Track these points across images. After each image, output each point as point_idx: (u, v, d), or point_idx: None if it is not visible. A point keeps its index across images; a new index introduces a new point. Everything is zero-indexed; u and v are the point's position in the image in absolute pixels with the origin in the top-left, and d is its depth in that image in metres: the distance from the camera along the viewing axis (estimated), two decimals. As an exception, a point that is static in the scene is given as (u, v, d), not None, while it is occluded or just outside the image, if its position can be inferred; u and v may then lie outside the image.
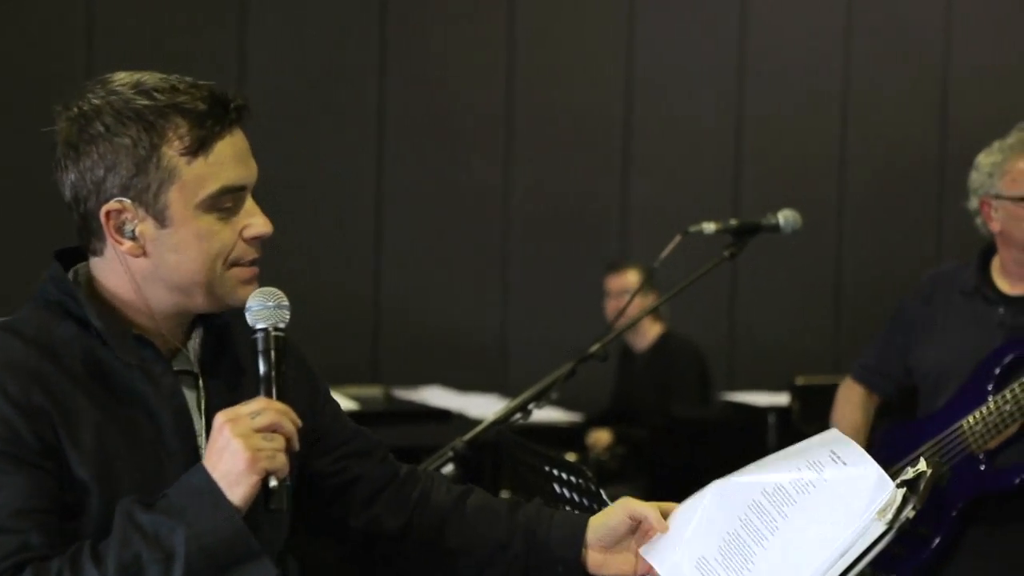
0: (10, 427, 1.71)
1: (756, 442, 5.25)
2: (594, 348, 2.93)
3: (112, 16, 6.20)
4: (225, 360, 1.90)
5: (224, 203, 1.79)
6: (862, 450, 1.87)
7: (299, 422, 1.74)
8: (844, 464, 1.85)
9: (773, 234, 3.07)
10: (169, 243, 1.79)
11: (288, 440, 1.71)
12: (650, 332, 6.02)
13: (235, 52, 6.44)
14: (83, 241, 1.84)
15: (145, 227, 1.78)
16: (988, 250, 3.29)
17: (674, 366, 5.97)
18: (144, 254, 1.79)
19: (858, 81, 7.51)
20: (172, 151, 1.76)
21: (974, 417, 3.14)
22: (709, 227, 3.05)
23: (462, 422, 4.89)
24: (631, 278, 5.84)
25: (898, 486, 1.77)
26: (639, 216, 7.09)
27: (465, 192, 6.87)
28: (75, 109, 1.79)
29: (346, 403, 4.28)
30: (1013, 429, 3.11)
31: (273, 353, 1.77)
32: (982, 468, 3.14)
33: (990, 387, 3.14)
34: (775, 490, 1.87)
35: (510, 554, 2.02)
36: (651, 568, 1.92)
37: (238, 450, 1.66)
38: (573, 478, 2.21)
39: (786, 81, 7.38)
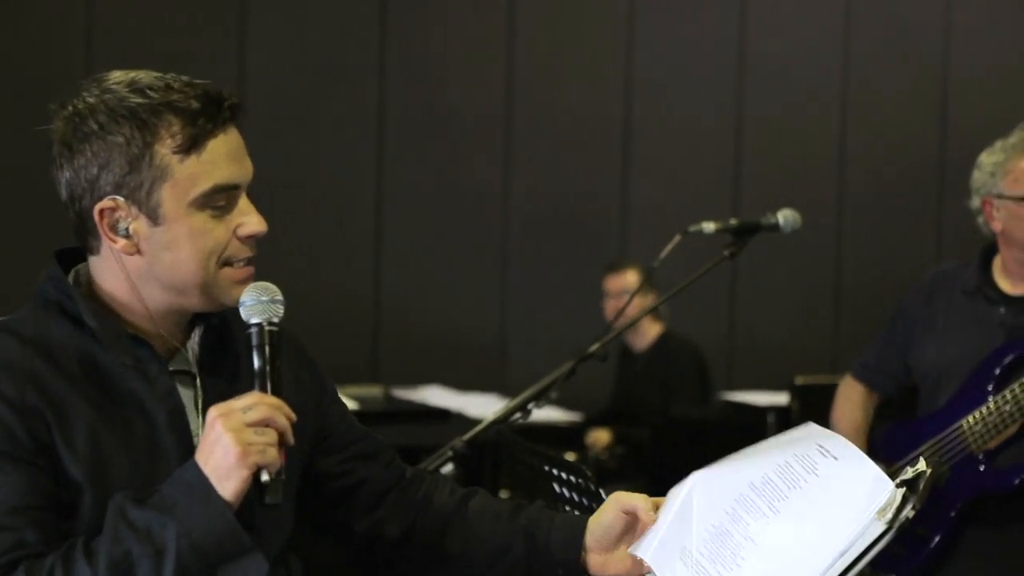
0: (5, 426, 1.72)
1: (756, 442, 5.24)
2: (594, 348, 2.93)
3: (112, 16, 6.20)
4: (225, 359, 1.90)
5: (217, 201, 1.79)
6: (848, 442, 1.86)
7: (293, 417, 1.73)
8: (835, 459, 1.83)
9: (773, 234, 3.06)
10: (162, 241, 1.79)
11: (281, 434, 1.71)
12: (650, 332, 6.02)
13: (235, 52, 6.43)
14: (80, 240, 1.85)
15: (138, 225, 1.79)
16: (989, 249, 3.29)
17: (674, 366, 5.97)
18: (138, 252, 1.80)
19: (858, 81, 7.51)
20: (165, 149, 1.77)
21: (974, 417, 3.14)
22: (709, 227, 3.05)
23: (462, 422, 4.89)
24: (630, 278, 5.84)
25: (898, 486, 1.77)
26: (639, 216, 7.09)
27: (465, 192, 6.87)
28: (70, 107, 1.80)
29: (346, 403, 4.27)
30: (1013, 429, 3.11)
31: (267, 348, 1.77)
32: (982, 468, 3.14)
33: (990, 387, 3.14)
34: (764, 484, 1.84)
35: (510, 557, 2.02)
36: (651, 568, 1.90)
37: (229, 444, 1.67)
38: (573, 478, 2.21)
39: (786, 81, 7.38)
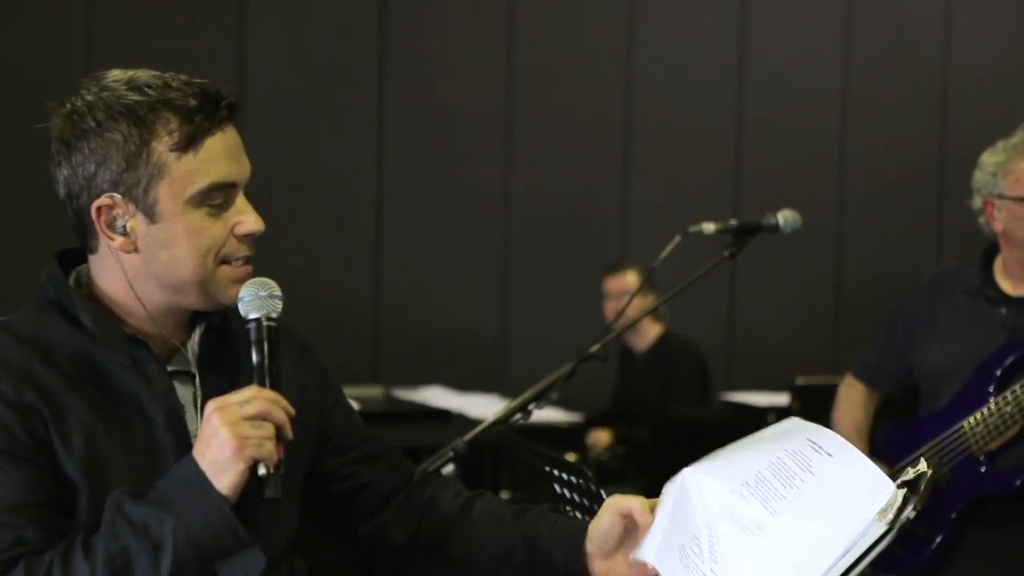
0: (4, 425, 1.72)
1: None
2: (594, 348, 2.93)
3: (112, 16, 6.19)
4: (225, 358, 1.90)
5: (214, 199, 1.80)
6: (837, 436, 1.85)
7: (291, 411, 1.73)
8: (829, 455, 1.82)
9: (773, 234, 3.06)
10: (159, 238, 1.79)
11: (279, 428, 1.71)
12: (650, 333, 6.02)
13: (234, 52, 6.43)
14: (80, 239, 1.85)
15: (135, 222, 1.79)
16: (991, 250, 3.29)
17: (674, 366, 5.97)
18: (136, 250, 1.80)
19: (858, 81, 7.51)
20: (162, 146, 1.77)
21: (975, 418, 3.13)
22: (709, 227, 3.05)
23: (462, 422, 4.89)
24: (630, 279, 5.84)
25: (899, 486, 1.76)
26: (639, 216, 7.09)
27: (465, 192, 6.87)
28: (69, 105, 1.80)
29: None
30: (1014, 431, 3.10)
31: (265, 343, 1.77)
32: (983, 470, 3.14)
33: (991, 388, 3.14)
34: (758, 482, 1.82)
35: (512, 564, 2.01)
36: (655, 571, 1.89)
37: (225, 438, 1.67)
38: (573, 478, 2.21)
39: (786, 81, 7.38)
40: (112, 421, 1.78)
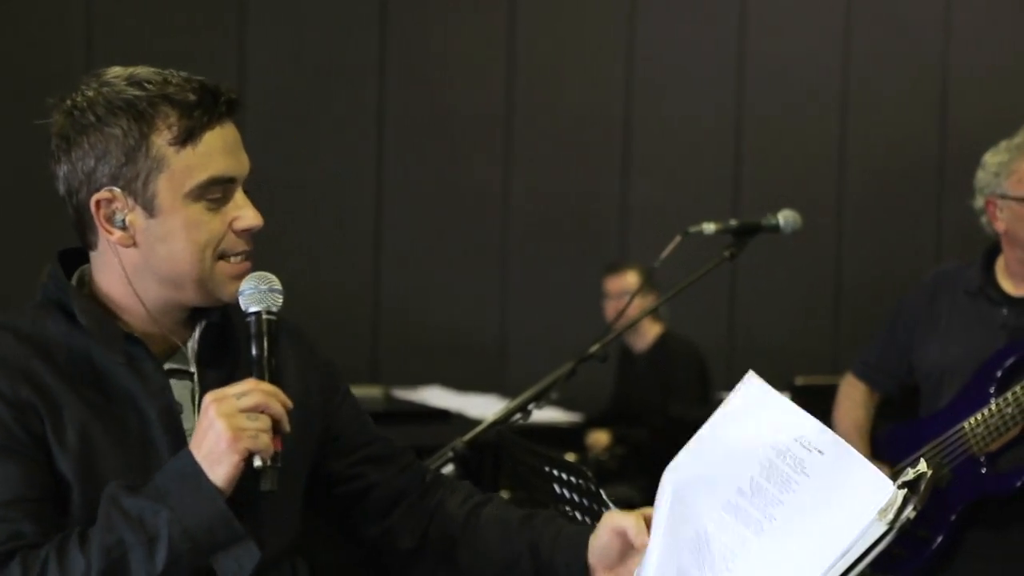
0: (0, 420, 1.73)
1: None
2: (594, 348, 2.93)
3: (112, 16, 6.19)
4: (225, 355, 1.90)
5: (212, 193, 1.80)
6: (831, 431, 1.83)
7: (289, 404, 1.73)
8: (820, 453, 1.80)
9: (773, 234, 3.06)
10: (158, 232, 1.79)
11: (277, 421, 1.71)
12: (650, 333, 6.01)
13: (235, 52, 6.43)
14: (80, 237, 1.85)
15: (134, 216, 1.79)
16: (993, 250, 3.28)
17: (674, 366, 5.97)
18: (134, 244, 1.80)
19: (858, 81, 7.51)
20: (161, 140, 1.77)
21: (975, 419, 3.13)
22: (709, 227, 3.04)
23: (462, 422, 4.88)
24: (630, 279, 5.84)
25: (899, 487, 1.76)
26: (639, 216, 7.09)
27: (465, 192, 6.86)
28: (69, 101, 1.81)
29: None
30: (1014, 432, 3.10)
31: (265, 337, 1.77)
32: (983, 471, 3.13)
33: (992, 389, 3.13)
34: (754, 490, 1.80)
35: (518, 572, 1.99)
36: None
37: (221, 429, 1.67)
38: (573, 478, 2.21)
39: (786, 81, 7.37)
40: (108, 419, 1.78)
